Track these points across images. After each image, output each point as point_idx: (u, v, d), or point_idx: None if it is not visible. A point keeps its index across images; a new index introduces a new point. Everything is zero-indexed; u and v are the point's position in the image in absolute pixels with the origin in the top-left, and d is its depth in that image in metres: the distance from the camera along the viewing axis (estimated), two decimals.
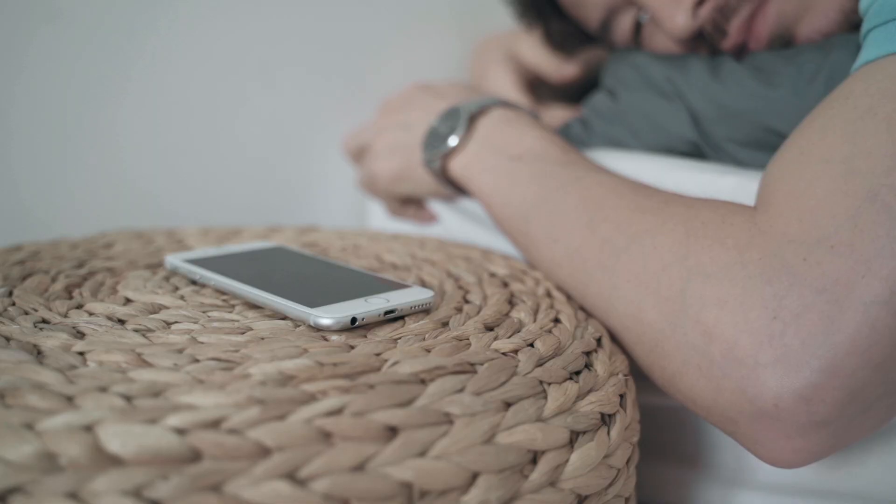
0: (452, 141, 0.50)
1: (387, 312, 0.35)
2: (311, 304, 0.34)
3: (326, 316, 0.33)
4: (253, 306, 0.38)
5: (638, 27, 0.54)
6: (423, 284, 0.42)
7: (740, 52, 0.50)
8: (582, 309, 0.41)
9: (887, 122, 0.30)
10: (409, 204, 0.61)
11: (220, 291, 0.40)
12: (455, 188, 0.53)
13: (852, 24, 0.45)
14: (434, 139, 0.52)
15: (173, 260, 0.42)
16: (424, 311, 0.37)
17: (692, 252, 0.34)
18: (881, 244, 0.28)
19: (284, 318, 0.36)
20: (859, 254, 0.29)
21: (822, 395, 0.29)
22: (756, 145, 0.47)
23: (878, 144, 0.30)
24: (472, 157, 0.49)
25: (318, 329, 0.34)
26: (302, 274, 0.41)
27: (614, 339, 0.39)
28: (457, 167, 0.50)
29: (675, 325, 0.33)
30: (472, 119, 0.51)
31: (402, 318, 0.36)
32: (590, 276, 0.38)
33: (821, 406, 0.29)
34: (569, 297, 0.42)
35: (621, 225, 0.38)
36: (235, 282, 0.38)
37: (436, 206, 0.61)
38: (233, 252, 0.45)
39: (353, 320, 0.34)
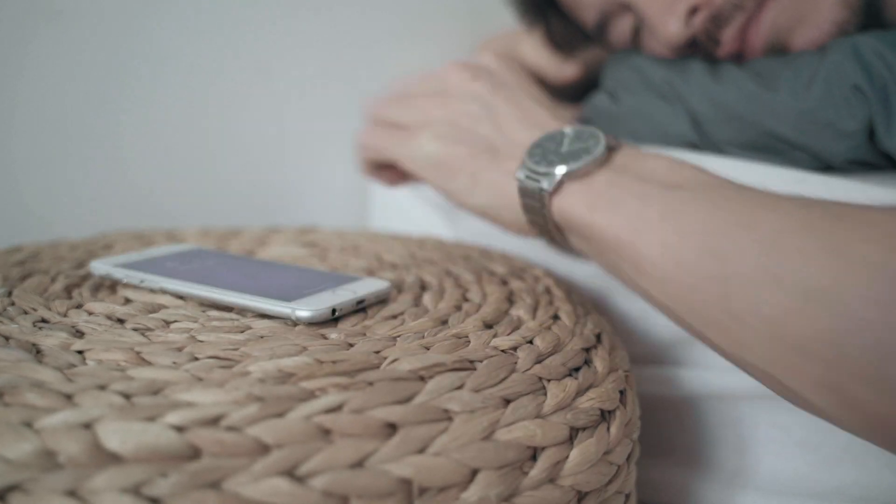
0: (580, 160, 0.38)
1: (358, 302, 0.36)
2: (286, 299, 0.34)
3: (307, 309, 0.34)
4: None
5: (635, 30, 0.54)
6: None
7: (734, 60, 0.50)
8: (582, 305, 0.41)
9: None
10: (386, 168, 0.51)
11: (171, 294, 0.38)
12: (550, 229, 0.40)
13: (846, 36, 0.46)
14: (551, 153, 0.39)
15: (102, 266, 0.40)
16: (383, 300, 0.38)
17: None
18: None
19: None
20: None
21: None
22: (755, 148, 0.47)
23: None
24: (604, 188, 0.37)
25: (296, 324, 0.34)
26: (251, 273, 0.40)
27: (614, 335, 0.39)
28: (576, 199, 0.38)
29: None
30: (611, 148, 0.39)
31: (366, 308, 0.37)
32: (857, 318, 0.26)
33: None
34: (568, 293, 0.42)
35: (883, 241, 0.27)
36: (194, 284, 0.37)
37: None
38: (162, 255, 0.43)
39: (334, 311, 0.34)
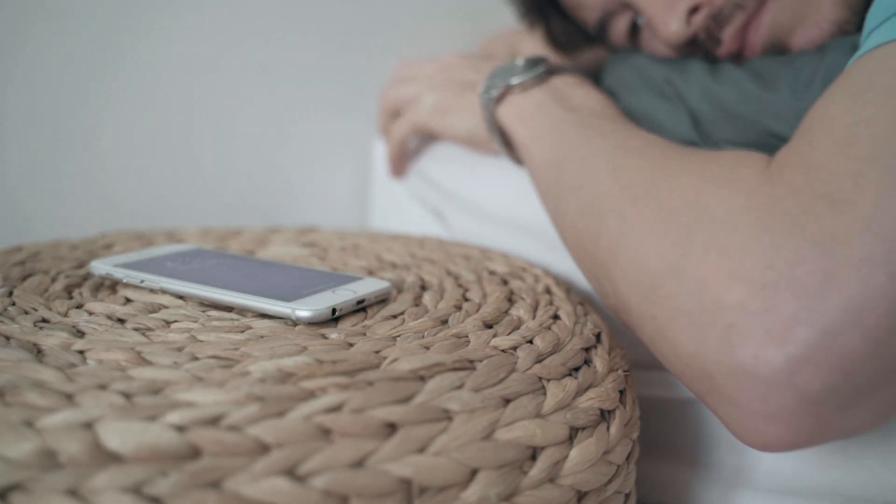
0: (524, 76, 0.50)
1: (358, 302, 0.36)
2: (286, 300, 0.34)
3: (307, 309, 0.34)
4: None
5: (636, 29, 0.54)
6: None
7: (735, 59, 0.50)
8: (581, 304, 0.41)
9: (886, 93, 0.31)
10: (407, 156, 0.63)
11: (171, 294, 0.38)
12: (497, 134, 0.52)
13: (845, 36, 0.46)
14: (506, 72, 0.52)
15: (102, 266, 0.40)
16: (383, 300, 0.38)
17: (703, 194, 0.32)
18: (883, 204, 0.28)
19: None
20: (859, 211, 0.28)
21: (809, 353, 0.27)
22: (754, 147, 0.46)
23: (878, 113, 0.30)
24: (533, 104, 0.49)
25: (296, 324, 0.34)
26: (251, 273, 0.40)
27: (614, 334, 0.39)
28: (511, 110, 0.50)
29: (676, 272, 0.31)
30: (551, 72, 0.51)
31: (366, 308, 0.37)
32: (603, 224, 0.36)
33: (808, 366, 0.27)
34: (568, 292, 0.42)
35: (644, 171, 0.36)
36: (194, 284, 0.37)
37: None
38: (162, 255, 0.43)
39: (334, 311, 0.34)
